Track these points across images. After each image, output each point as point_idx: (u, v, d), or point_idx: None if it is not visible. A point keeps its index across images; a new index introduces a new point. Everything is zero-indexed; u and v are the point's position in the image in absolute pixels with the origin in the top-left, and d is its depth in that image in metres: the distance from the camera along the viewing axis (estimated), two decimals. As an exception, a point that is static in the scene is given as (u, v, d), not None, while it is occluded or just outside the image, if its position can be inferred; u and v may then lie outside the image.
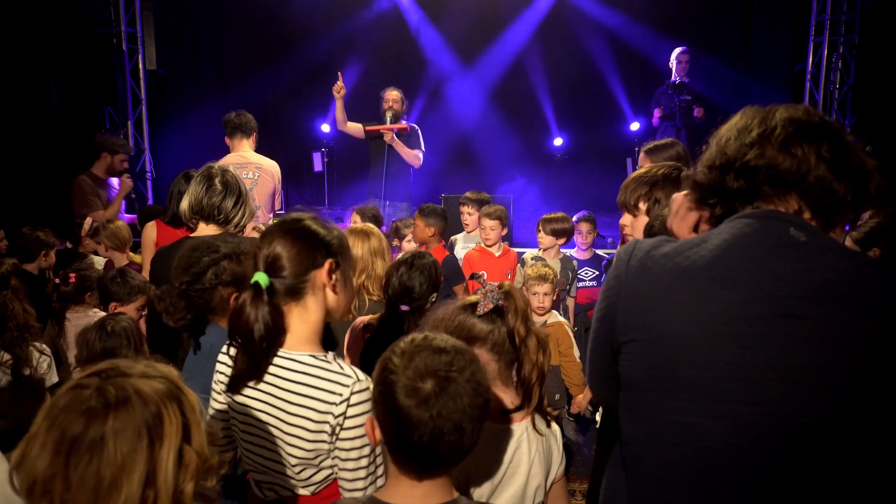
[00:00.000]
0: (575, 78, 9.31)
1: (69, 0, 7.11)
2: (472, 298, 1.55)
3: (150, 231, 3.57)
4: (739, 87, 8.22)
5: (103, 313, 3.13)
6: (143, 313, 3.09)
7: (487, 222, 4.28)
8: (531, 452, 1.51)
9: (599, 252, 4.93)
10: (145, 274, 3.63)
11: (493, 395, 1.50)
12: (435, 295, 2.28)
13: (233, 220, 2.51)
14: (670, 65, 7.15)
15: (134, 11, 7.85)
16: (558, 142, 9.65)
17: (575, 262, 4.51)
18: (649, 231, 1.70)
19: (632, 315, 1.05)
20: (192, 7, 9.06)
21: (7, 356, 2.50)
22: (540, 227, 4.44)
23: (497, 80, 9.47)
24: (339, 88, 5.43)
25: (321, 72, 9.33)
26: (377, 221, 4.12)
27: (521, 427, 1.52)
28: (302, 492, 1.53)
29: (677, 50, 7.11)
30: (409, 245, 4.34)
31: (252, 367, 1.50)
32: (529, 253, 4.68)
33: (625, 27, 9.06)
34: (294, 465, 1.50)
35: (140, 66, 8.08)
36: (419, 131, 5.71)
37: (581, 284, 4.53)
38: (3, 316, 2.47)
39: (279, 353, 1.52)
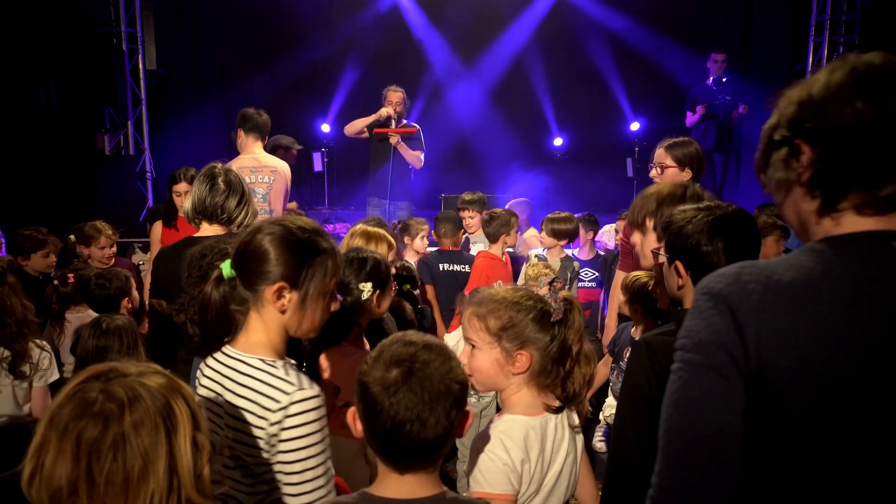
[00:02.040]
0: (575, 78, 9.32)
1: (69, 0, 7.12)
2: (529, 299, 1.56)
3: (156, 230, 3.77)
4: (739, 87, 8.23)
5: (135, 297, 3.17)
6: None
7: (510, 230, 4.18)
8: (567, 432, 1.61)
9: (602, 253, 4.93)
10: (148, 275, 3.67)
11: (532, 397, 1.54)
12: (370, 285, 2.19)
13: (236, 220, 2.51)
14: (708, 65, 7.29)
15: (134, 11, 7.85)
16: (558, 142, 9.65)
17: (577, 263, 4.50)
18: (677, 233, 1.64)
19: (776, 352, 0.94)
20: (192, 7, 9.06)
21: (6, 352, 2.48)
22: (542, 227, 4.44)
23: (497, 80, 9.48)
24: (386, 114, 5.48)
25: (321, 72, 9.35)
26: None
27: (554, 417, 1.60)
28: (247, 501, 1.49)
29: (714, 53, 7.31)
30: (421, 242, 4.38)
31: (204, 343, 1.54)
32: (533, 251, 4.67)
33: (625, 27, 9.07)
34: (234, 469, 1.46)
35: (140, 66, 8.08)
36: (420, 132, 5.72)
37: (581, 285, 4.53)
38: (2, 311, 2.45)
39: (230, 353, 1.50)
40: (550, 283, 1.58)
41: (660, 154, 3.13)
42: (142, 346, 2.71)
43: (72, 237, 4.37)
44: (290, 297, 1.46)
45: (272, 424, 1.38)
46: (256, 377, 1.44)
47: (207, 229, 2.51)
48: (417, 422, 1.15)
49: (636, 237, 2.11)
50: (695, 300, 1.04)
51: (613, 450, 1.63)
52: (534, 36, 9.33)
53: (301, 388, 1.40)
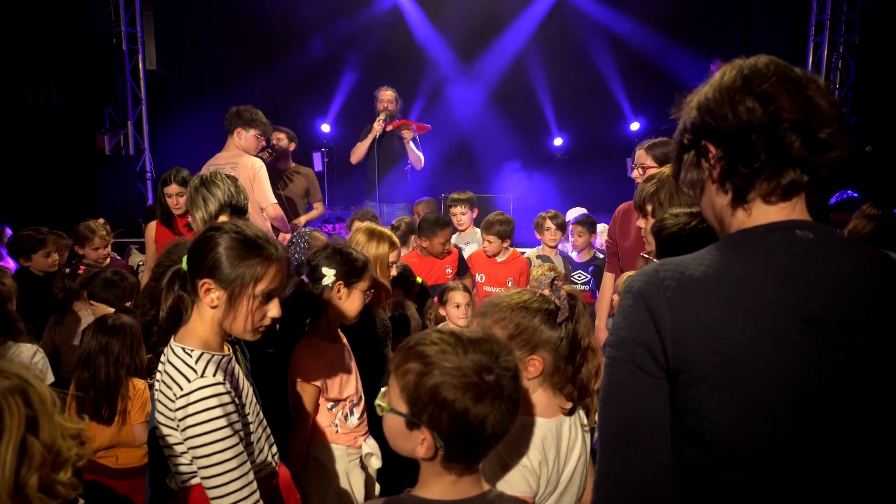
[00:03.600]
0: (575, 78, 9.31)
1: (69, 0, 7.12)
2: (533, 300, 1.53)
3: (151, 230, 3.85)
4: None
5: (109, 310, 3.15)
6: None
7: (485, 236, 4.22)
8: (580, 433, 1.59)
9: (601, 256, 4.94)
10: (146, 274, 3.69)
11: (547, 398, 1.54)
12: (333, 272, 2.19)
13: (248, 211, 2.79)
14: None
15: (134, 11, 7.85)
16: (558, 142, 9.65)
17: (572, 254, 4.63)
18: (660, 231, 1.66)
19: (689, 344, 1.00)
20: (191, 7, 9.06)
21: None
22: (550, 225, 4.49)
23: (497, 80, 9.47)
24: (379, 129, 5.50)
25: (321, 72, 9.34)
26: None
27: (568, 419, 1.59)
28: (172, 484, 1.57)
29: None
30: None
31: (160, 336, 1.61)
32: (531, 252, 4.68)
33: (625, 27, 9.07)
34: (163, 448, 1.54)
35: (140, 66, 8.08)
36: (417, 137, 5.75)
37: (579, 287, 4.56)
38: None
39: (171, 342, 1.57)
40: (552, 283, 1.55)
41: (640, 155, 3.13)
42: (143, 346, 2.71)
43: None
44: (219, 295, 1.52)
45: (176, 410, 1.46)
46: (173, 364, 1.52)
47: None
48: (508, 420, 1.16)
49: (640, 221, 2.12)
50: (620, 299, 1.11)
51: None
52: (534, 36, 9.32)
53: (202, 377, 1.47)
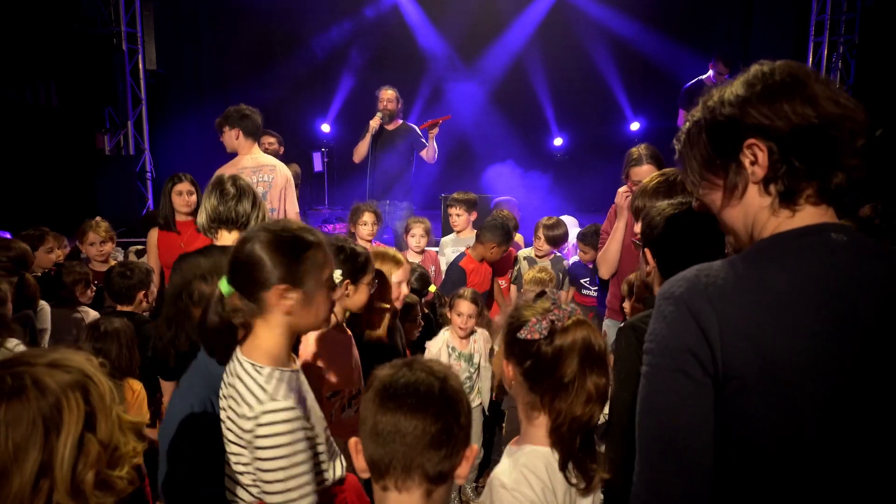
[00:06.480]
0: (575, 78, 9.32)
1: (69, 0, 7.12)
2: (535, 310, 1.40)
3: (152, 236, 3.83)
4: (739, 87, 8.22)
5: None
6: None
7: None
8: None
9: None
10: (156, 277, 3.68)
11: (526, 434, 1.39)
12: (340, 272, 2.14)
13: (251, 224, 2.54)
14: (709, 68, 6.92)
15: (134, 11, 7.85)
16: (558, 142, 9.65)
17: (566, 262, 4.57)
18: (649, 223, 1.67)
19: (737, 350, 0.99)
20: (192, 7, 9.07)
21: None
22: (540, 234, 4.47)
23: (497, 80, 9.48)
24: (376, 125, 5.50)
25: (321, 72, 9.35)
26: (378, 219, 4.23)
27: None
28: (242, 497, 1.52)
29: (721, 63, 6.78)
30: (413, 241, 4.38)
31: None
32: (522, 252, 4.66)
33: (625, 27, 9.07)
34: (233, 464, 1.50)
35: (140, 66, 8.08)
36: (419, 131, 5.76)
37: (585, 292, 4.52)
38: None
39: (236, 355, 1.52)
40: (554, 301, 1.40)
41: (648, 171, 3.01)
42: (137, 349, 2.69)
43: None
44: (294, 297, 1.47)
45: (246, 432, 1.42)
46: (243, 380, 1.47)
47: (227, 238, 2.51)
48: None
49: (637, 227, 2.13)
50: (657, 304, 1.09)
51: (617, 431, 1.57)
52: (534, 36, 9.33)
53: (273, 400, 1.42)
